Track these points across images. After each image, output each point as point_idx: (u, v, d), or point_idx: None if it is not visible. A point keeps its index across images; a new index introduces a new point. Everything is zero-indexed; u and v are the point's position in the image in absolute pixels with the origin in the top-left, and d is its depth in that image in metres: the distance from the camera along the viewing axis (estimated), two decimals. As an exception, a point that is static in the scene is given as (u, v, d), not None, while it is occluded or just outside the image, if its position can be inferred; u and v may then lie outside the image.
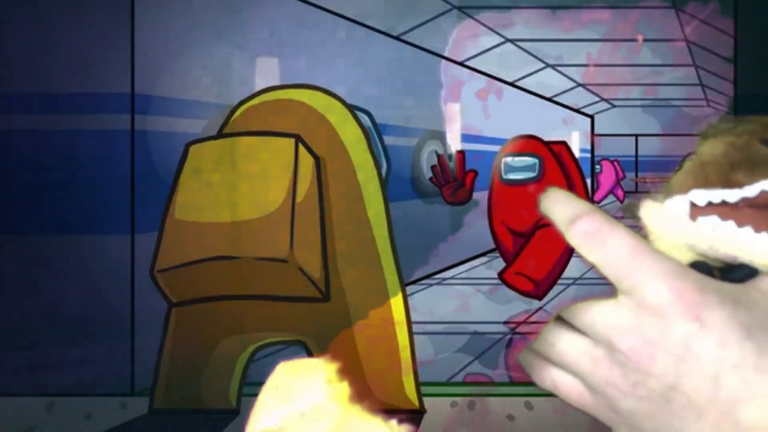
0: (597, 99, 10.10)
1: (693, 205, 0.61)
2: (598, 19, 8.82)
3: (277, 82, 6.10)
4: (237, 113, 4.76)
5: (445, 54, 10.02)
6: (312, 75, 7.00)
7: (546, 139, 7.98)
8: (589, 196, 8.13)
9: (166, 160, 5.06)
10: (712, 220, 0.60)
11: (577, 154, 8.45)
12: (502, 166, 7.84)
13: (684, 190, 0.62)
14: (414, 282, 9.35)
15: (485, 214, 7.92)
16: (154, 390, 4.63)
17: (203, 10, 5.71)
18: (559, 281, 7.88)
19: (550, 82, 9.93)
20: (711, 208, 0.62)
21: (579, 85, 9.81)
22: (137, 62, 5.01)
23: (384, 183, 4.70)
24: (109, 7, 4.97)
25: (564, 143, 7.91)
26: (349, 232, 4.59)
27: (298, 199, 4.45)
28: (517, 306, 7.87)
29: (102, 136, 4.97)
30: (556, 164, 7.72)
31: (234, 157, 4.54)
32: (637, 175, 10.75)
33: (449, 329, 7.02)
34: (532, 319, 7.45)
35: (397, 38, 9.08)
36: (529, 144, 7.85)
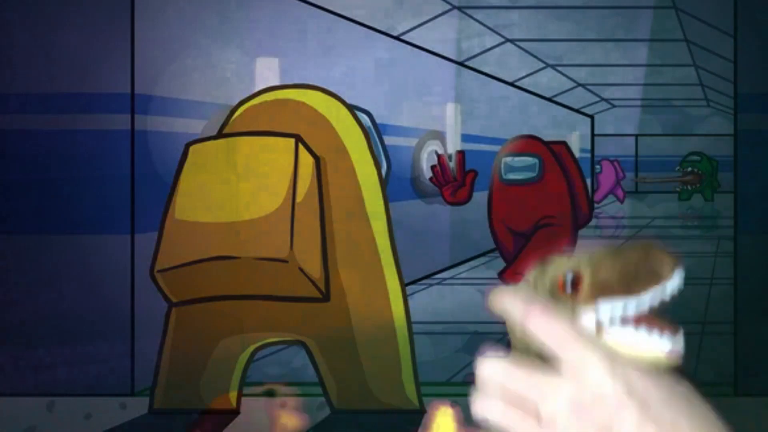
0: (597, 99, 10.10)
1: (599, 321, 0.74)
2: (599, 19, 8.81)
3: (277, 82, 6.10)
4: (237, 113, 4.76)
5: (445, 54, 10.02)
6: (312, 75, 7.00)
7: (546, 139, 7.98)
8: (589, 196, 8.13)
9: (166, 160, 5.06)
10: (618, 330, 0.72)
11: (577, 154, 8.44)
12: (502, 166, 7.84)
13: (590, 303, 0.74)
14: (414, 282, 9.35)
15: (485, 214, 7.92)
16: (154, 390, 4.63)
17: (203, 10, 5.71)
18: (559, 281, 7.86)
19: (550, 82, 9.92)
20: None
21: (579, 85, 9.81)
22: (137, 62, 5.01)
23: (384, 183, 4.70)
24: (109, 7, 4.97)
25: (564, 143, 7.91)
26: (349, 232, 4.59)
27: (298, 199, 4.45)
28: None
29: (102, 136, 4.97)
30: (556, 164, 7.72)
31: (234, 157, 4.54)
32: (637, 175, 10.75)
33: (449, 329, 7.02)
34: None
35: (397, 38, 9.08)
36: (529, 144, 7.85)
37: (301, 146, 4.51)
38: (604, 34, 9.17)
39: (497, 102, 9.70)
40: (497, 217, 7.93)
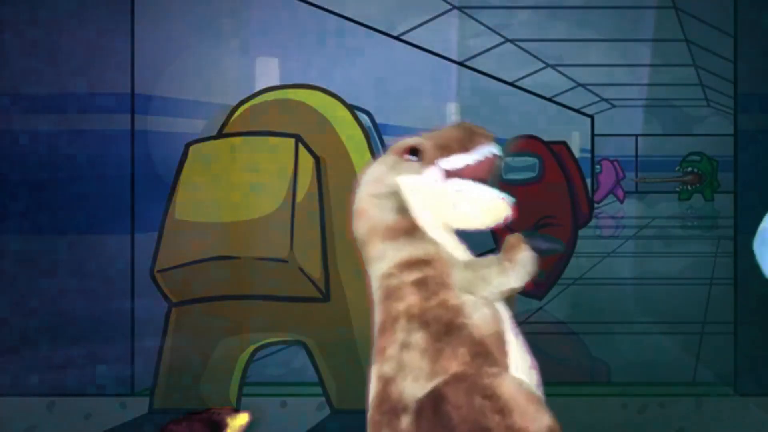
0: (597, 99, 10.08)
1: (442, 171, 1.08)
2: (598, 19, 8.81)
3: (277, 82, 6.09)
4: (237, 113, 4.76)
5: (445, 54, 10.02)
6: (312, 75, 7.00)
7: (546, 139, 7.97)
8: (589, 196, 8.12)
9: (166, 160, 5.06)
10: (454, 181, 0.98)
11: (577, 154, 8.43)
12: (502, 166, 7.83)
13: (432, 161, 1.14)
14: (414, 282, 9.31)
15: (485, 214, 7.90)
16: (154, 390, 4.63)
17: (203, 10, 5.72)
18: (559, 281, 7.88)
19: (550, 82, 9.89)
20: (451, 173, 1.08)
21: (579, 85, 9.79)
22: (137, 62, 5.02)
23: (384, 183, 4.69)
24: (109, 7, 4.97)
25: (564, 143, 7.90)
26: (349, 232, 4.59)
27: (298, 199, 4.45)
28: (517, 306, 7.85)
29: (102, 136, 4.98)
30: (556, 164, 7.71)
31: (234, 157, 4.54)
32: (637, 175, 10.73)
33: (449, 329, 7.00)
34: (532, 319, 7.45)
35: (397, 38, 9.08)
36: (529, 144, 7.84)
37: (301, 146, 4.51)
38: (604, 34, 9.15)
39: (497, 102, 9.67)
40: (497, 217, 7.92)
